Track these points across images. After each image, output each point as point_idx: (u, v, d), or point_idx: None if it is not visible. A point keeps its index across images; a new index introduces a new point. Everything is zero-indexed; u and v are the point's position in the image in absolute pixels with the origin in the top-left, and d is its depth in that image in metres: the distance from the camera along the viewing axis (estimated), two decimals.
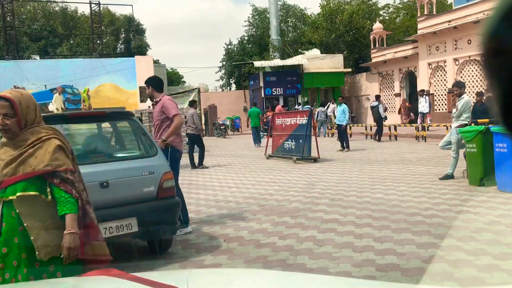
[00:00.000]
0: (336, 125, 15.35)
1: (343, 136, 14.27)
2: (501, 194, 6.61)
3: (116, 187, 4.30)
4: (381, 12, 36.69)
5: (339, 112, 14.49)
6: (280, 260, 4.38)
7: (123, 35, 43.35)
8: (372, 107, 17.45)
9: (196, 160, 12.10)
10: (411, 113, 22.65)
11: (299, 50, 33.06)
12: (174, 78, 50.71)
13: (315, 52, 30.26)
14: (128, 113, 5.24)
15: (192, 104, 12.56)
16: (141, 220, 4.35)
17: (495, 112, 0.54)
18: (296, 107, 24.32)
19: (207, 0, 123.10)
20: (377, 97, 17.96)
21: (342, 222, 5.62)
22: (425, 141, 15.46)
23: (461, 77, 20.61)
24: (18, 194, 2.30)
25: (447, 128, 13.94)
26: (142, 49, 39.72)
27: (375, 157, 12.31)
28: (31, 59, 27.87)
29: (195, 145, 12.00)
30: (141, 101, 23.55)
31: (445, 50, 21.86)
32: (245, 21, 56.19)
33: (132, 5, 76.56)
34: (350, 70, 30.55)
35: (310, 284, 1.75)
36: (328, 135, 21.31)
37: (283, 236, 5.16)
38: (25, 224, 2.30)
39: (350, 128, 19.83)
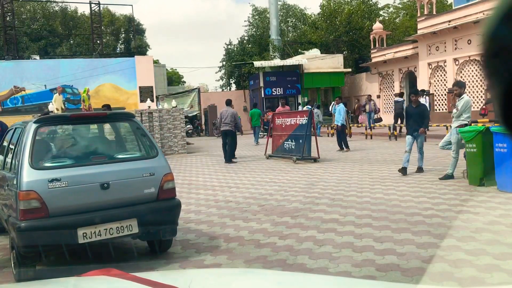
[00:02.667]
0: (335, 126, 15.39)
1: (341, 137, 14.30)
2: (501, 194, 6.61)
3: (116, 189, 4.30)
4: (381, 12, 36.68)
5: (336, 112, 14.65)
6: (280, 260, 4.38)
7: (123, 35, 43.35)
8: (397, 102, 18.20)
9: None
10: None
11: (299, 50, 33.02)
12: (174, 78, 50.71)
13: (315, 52, 30.22)
14: (129, 114, 5.24)
15: (230, 103, 13.50)
16: (142, 221, 4.36)
17: (495, 112, 0.54)
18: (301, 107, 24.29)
19: (208, 0, 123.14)
20: (401, 94, 19.29)
21: (342, 222, 5.62)
22: (425, 141, 15.43)
23: (461, 77, 20.61)
24: None
25: (447, 128, 13.95)
26: (142, 49, 39.72)
27: (375, 157, 12.31)
28: (31, 59, 27.82)
29: (230, 141, 13.02)
30: (141, 101, 23.53)
31: (445, 50, 21.86)
32: (245, 21, 56.22)
33: (132, 5, 76.70)
34: (350, 70, 30.53)
35: (310, 284, 1.75)
36: (329, 135, 21.33)
37: (283, 236, 5.16)
38: None
39: (350, 128, 19.84)
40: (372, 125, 20.36)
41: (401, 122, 17.54)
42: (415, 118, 9.02)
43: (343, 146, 14.10)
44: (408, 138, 9.10)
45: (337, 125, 14.29)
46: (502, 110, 0.54)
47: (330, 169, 10.39)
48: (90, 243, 4.15)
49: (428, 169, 9.40)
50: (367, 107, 21.51)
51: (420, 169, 9.10)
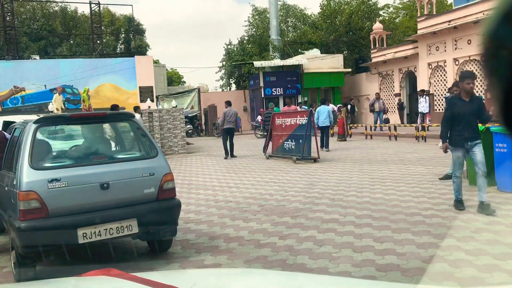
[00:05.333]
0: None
1: (325, 136, 14.66)
2: (501, 194, 6.61)
3: (116, 189, 4.30)
4: (381, 12, 36.69)
5: (315, 114, 14.95)
6: (280, 260, 4.38)
7: (123, 35, 43.35)
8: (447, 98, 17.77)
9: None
10: None
11: (299, 50, 33.02)
12: (174, 78, 50.75)
13: (315, 52, 30.22)
14: (129, 114, 5.24)
15: (231, 103, 14.64)
16: (142, 221, 4.36)
17: (495, 111, 0.54)
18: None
19: (208, 0, 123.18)
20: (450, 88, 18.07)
21: (342, 222, 5.62)
22: (425, 141, 15.45)
23: None
24: None
25: None
26: (142, 49, 39.73)
27: (375, 157, 12.30)
28: (31, 59, 27.83)
29: (231, 138, 14.06)
30: (141, 101, 23.54)
31: (445, 50, 21.85)
32: (245, 21, 56.21)
33: (132, 5, 76.65)
34: (350, 70, 30.54)
35: (310, 284, 1.75)
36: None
37: (283, 236, 5.16)
38: None
39: (350, 128, 19.81)
40: (382, 124, 19.67)
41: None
42: (469, 118, 5.57)
43: (324, 146, 14.40)
44: (458, 154, 5.73)
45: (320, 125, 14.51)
46: (502, 110, 0.54)
47: (330, 169, 10.39)
48: (90, 243, 4.15)
49: (428, 169, 9.40)
50: (376, 106, 20.37)
51: (485, 208, 5.48)
